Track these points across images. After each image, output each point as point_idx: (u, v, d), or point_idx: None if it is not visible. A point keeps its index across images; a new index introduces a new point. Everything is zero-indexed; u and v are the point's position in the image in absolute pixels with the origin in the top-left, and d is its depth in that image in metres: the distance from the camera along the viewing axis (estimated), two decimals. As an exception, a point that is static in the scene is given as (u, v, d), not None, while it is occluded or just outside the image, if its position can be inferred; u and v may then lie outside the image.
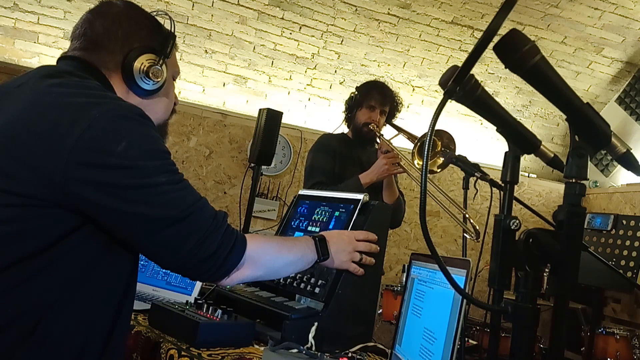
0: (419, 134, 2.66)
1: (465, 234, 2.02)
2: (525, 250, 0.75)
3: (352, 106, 2.79)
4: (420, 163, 2.53)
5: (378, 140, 2.78)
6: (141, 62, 1.13)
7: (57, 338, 0.97)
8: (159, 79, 1.15)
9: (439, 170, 2.52)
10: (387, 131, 2.82)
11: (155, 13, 1.22)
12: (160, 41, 1.17)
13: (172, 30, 1.20)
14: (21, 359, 0.94)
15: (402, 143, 2.80)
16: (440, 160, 2.55)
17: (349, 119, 2.83)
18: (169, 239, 1.00)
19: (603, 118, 0.76)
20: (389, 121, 2.82)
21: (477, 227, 2.00)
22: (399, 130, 2.82)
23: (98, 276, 1.02)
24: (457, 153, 2.22)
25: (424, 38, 4.37)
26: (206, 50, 4.19)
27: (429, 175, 2.47)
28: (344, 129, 2.88)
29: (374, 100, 2.74)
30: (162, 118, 1.25)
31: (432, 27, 4.30)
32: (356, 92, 2.81)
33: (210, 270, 1.06)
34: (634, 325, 3.84)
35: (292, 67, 4.38)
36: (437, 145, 2.58)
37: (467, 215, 2.04)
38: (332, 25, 4.22)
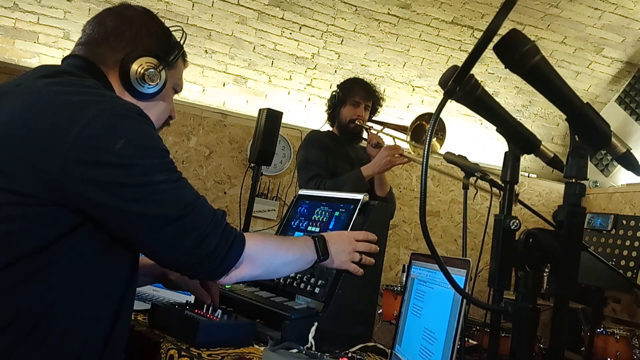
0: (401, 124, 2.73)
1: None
2: (525, 250, 0.75)
3: (336, 104, 2.80)
4: (418, 148, 2.62)
5: (366, 134, 2.80)
6: (140, 63, 1.12)
7: (57, 337, 0.97)
8: (153, 83, 1.14)
9: (441, 154, 2.55)
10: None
11: (173, 28, 1.22)
12: (166, 50, 1.17)
13: (182, 43, 1.21)
14: (21, 358, 0.94)
15: (387, 139, 2.81)
16: (438, 144, 2.62)
17: (333, 117, 2.83)
18: (168, 237, 1.00)
19: (603, 118, 0.76)
20: (371, 116, 2.84)
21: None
22: (384, 125, 2.84)
23: (98, 276, 1.02)
24: (457, 153, 2.22)
25: (424, 38, 4.37)
26: (206, 50, 4.19)
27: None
28: (329, 127, 2.88)
29: (358, 95, 2.75)
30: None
31: (432, 27, 4.29)
32: (338, 90, 2.82)
33: (209, 269, 1.06)
34: (634, 325, 3.84)
35: (292, 67, 4.38)
36: (425, 128, 2.64)
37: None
38: (332, 25, 4.21)
